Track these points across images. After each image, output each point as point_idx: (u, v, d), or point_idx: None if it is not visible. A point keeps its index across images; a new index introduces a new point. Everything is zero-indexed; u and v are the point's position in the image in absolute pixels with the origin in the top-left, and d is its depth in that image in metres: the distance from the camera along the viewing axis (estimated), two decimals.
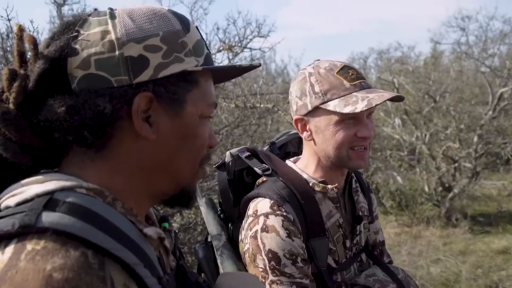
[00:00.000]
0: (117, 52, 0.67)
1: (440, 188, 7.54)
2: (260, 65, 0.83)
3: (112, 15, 0.69)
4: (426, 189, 7.58)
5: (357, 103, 1.17)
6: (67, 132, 0.66)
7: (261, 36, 3.65)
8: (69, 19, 0.70)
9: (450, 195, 7.28)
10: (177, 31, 0.71)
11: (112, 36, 0.67)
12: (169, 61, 0.69)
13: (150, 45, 0.68)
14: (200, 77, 0.74)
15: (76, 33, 0.68)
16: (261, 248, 1.17)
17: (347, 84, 1.21)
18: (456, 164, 7.62)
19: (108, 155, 0.69)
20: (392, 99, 1.22)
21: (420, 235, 6.63)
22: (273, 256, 1.16)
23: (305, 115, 1.27)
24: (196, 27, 0.77)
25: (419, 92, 8.54)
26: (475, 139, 7.62)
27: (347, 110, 1.17)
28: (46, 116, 0.66)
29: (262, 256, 1.16)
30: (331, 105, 1.20)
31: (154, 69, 0.68)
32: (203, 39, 0.77)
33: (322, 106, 1.22)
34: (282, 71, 13.84)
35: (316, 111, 1.24)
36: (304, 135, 1.30)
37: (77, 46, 0.67)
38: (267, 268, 1.16)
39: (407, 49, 13.08)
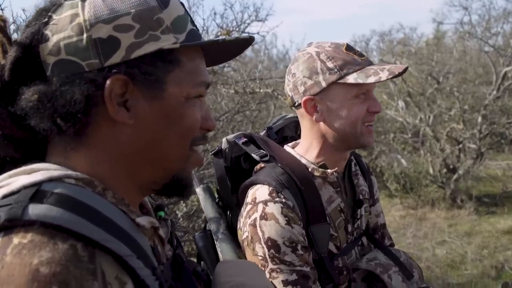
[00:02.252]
0: (85, 35, 0.64)
1: (445, 170, 7.51)
2: (250, 38, 0.76)
3: None
4: (431, 171, 7.56)
5: (378, 73, 1.19)
6: (41, 121, 0.64)
7: (259, 20, 3.61)
8: (44, 5, 0.68)
9: (455, 176, 7.25)
10: (151, 8, 0.67)
11: (80, 18, 0.64)
12: (143, 40, 0.65)
13: (121, 25, 0.65)
14: (182, 55, 0.69)
15: (47, 19, 0.66)
16: (260, 236, 1.15)
17: (358, 59, 1.23)
18: (461, 145, 7.58)
19: (89, 143, 0.67)
20: (404, 70, 1.23)
21: (425, 217, 6.63)
22: (272, 244, 1.14)
23: (317, 94, 1.24)
24: (181, 2, 0.73)
25: (422, 73, 8.47)
26: (479, 119, 7.56)
27: (371, 79, 1.18)
28: (21, 105, 0.64)
29: (261, 244, 1.15)
30: (351, 79, 1.20)
31: (126, 50, 0.65)
32: (188, 14, 0.73)
33: (341, 81, 1.21)
34: (284, 56, 13.76)
35: (330, 88, 1.22)
36: (315, 117, 1.25)
37: (47, 32, 0.65)
38: (267, 256, 1.14)
39: (409, 30, 12.99)
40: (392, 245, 1.49)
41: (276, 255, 1.14)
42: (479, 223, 6.25)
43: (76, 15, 0.65)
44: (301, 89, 1.26)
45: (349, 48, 1.25)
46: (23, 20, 1.94)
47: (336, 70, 1.21)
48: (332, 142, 1.27)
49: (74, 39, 0.64)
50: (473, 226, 6.14)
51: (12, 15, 1.97)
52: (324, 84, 1.22)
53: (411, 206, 7.14)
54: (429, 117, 7.94)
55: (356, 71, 1.20)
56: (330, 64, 1.22)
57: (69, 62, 0.64)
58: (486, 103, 7.62)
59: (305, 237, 1.18)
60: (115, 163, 0.68)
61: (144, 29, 0.66)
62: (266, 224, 1.15)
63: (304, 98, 1.25)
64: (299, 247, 1.15)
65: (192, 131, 0.71)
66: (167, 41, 0.67)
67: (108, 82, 0.64)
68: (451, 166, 7.53)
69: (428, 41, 10.23)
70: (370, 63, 1.24)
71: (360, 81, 1.18)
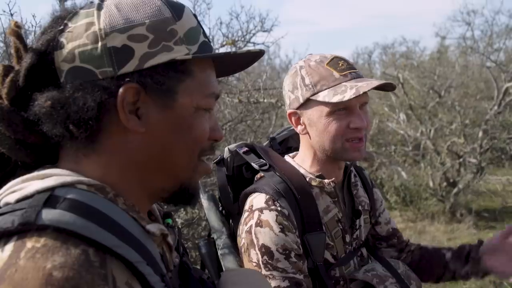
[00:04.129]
0: (99, 43, 0.65)
1: (445, 184, 7.51)
2: (261, 51, 0.77)
3: (100, 6, 0.68)
4: (431, 184, 7.55)
5: (346, 91, 1.17)
6: (53, 126, 0.65)
7: (264, 31, 3.64)
8: (60, 13, 0.69)
9: (455, 190, 7.24)
10: (165, 19, 0.68)
11: (96, 27, 0.66)
12: (156, 50, 0.67)
13: (135, 35, 0.66)
14: (194, 66, 0.70)
15: (63, 26, 0.67)
16: (255, 242, 1.17)
17: (336, 74, 1.21)
18: (461, 159, 7.58)
19: (101, 149, 0.68)
20: (383, 87, 1.22)
21: (425, 231, 6.61)
22: (266, 250, 1.16)
23: (298, 108, 1.27)
24: (194, 14, 0.74)
25: (424, 87, 8.51)
26: (480, 134, 7.58)
27: (335, 99, 1.17)
28: (35, 110, 0.65)
29: (255, 251, 1.17)
30: (321, 96, 1.20)
31: (139, 60, 0.66)
32: (200, 26, 0.74)
33: (313, 97, 1.22)
34: (286, 66, 13.81)
35: (308, 103, 1.24)
36: (299, 129, 1.30)
37: (62, 39, 0.66)
38: (260, 262, 1.16)
39: (412, 44, 13.04)
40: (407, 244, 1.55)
41: (269, 261, 1.15)
42: (478, 237, 6.18)
43: (91, 23, 0.66)
44: (287, 102, 1.30)
45: (332, 61, 1.23)
46: (32, 25, 1.96)
47: (310, 86, 1.22)
48: (319, 153, 1.29)
49: (89, 47, 0.65)
50: (472, 240, 6.09)
51: (21, 21, 1.99)
52: (301, 100, 1.25)
53: (410, 219, 7.12)
54: (430, 130, 7.96)
55: (329, 87, 1.20)
56: (307, 80, 1.23)
57: (83, 70, 0.65)
58: (487, 118, 7.64)
59: (300, 246, 1.19)
60: (126, 170, 0.69)
61: (158, 39, 0.67)
62: (261, 231, 1.17)
63: (288, 111, 1.29)
64: (292, 254, 1.17)
65: (201, 141, 0.72)
66: (180, 52, 0.68)
67: (121, 90, 0.65)
68: (451, 180, 7.53)
69: (432, 55, 10.29)
70: (352, 78, 1.21)
71: (327, 99, 1.18)
